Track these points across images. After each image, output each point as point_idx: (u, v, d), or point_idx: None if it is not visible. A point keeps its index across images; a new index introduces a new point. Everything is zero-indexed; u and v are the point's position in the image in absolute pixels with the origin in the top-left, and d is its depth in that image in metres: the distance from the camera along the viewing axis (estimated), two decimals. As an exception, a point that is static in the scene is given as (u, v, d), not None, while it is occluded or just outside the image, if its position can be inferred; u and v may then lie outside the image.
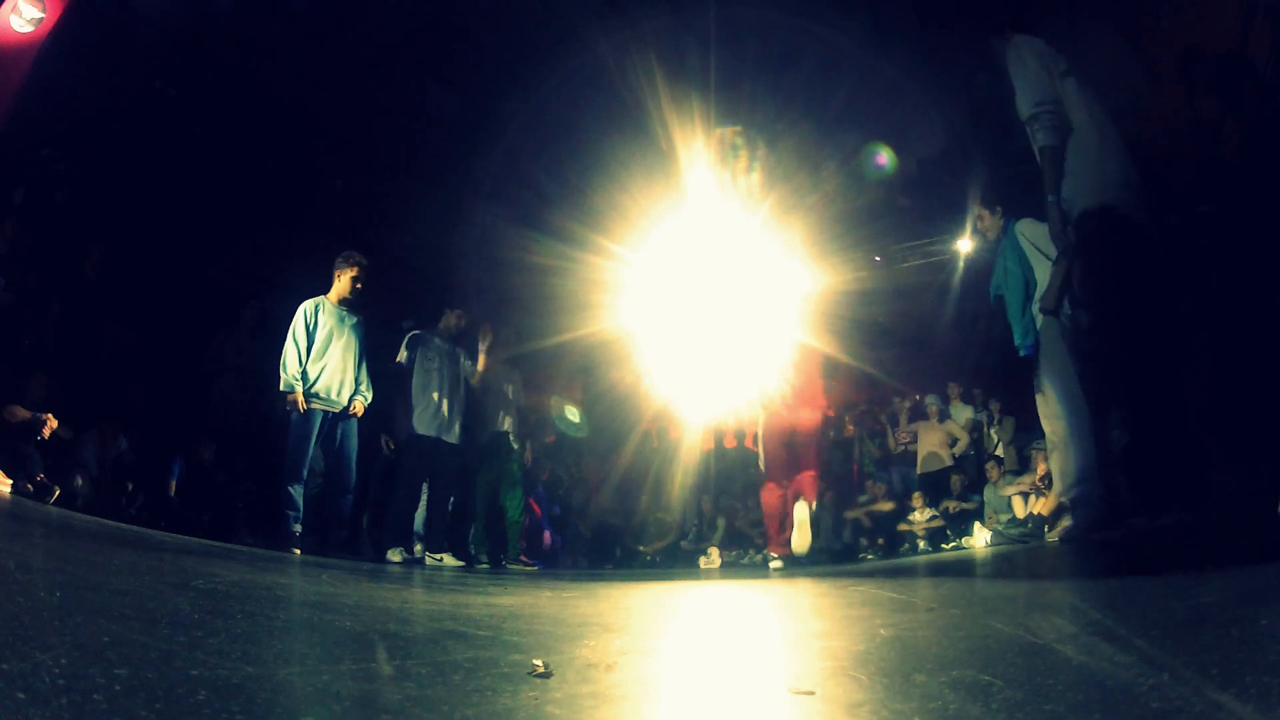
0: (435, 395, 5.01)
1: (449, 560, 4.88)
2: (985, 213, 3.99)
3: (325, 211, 6.95)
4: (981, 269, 8.15)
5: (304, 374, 4.37)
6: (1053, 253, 3.44)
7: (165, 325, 5.83)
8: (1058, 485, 3.80)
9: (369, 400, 4.65)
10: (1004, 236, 3.84)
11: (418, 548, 5.09)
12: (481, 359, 5.28)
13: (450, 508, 5.43)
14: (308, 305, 4.51)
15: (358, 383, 4.59)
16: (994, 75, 3.47)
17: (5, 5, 4.79)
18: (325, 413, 4.43)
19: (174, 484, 5.42)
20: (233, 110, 6.07)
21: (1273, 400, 2.93)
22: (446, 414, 5.03)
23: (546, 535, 6.75)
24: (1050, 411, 3.54)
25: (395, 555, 4.75)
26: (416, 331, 5.17)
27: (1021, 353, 3.60)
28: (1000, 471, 6.68)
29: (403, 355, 5.05)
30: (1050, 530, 5.03)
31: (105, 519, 3.56)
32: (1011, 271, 3.68)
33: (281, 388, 4.36)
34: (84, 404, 4.96)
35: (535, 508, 6.67)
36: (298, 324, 4.44)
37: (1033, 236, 3.66)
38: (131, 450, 5.25)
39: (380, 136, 6.86)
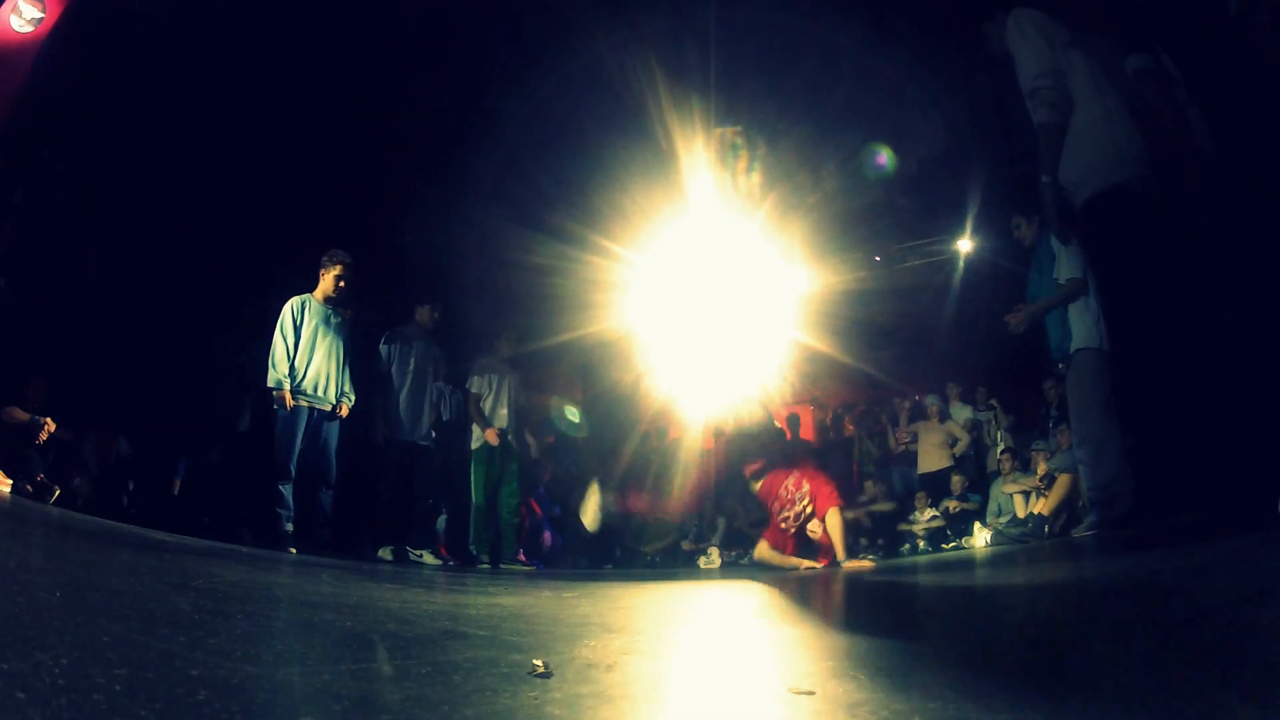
0: (408, 395, 5.07)
1: (428, 558, 4.92)
2: (1023, 221, 4.11)
3: (325, 211, 6.94)
4: (982, 269, 8.18)
5: (292, 370, 4.38)
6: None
7: (165, 325, 5.82)
8: (1089, 478, 3.80)
9: (353, 402, 4.68)
10: (1039, 244, 3.92)
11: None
12: (423, 312, 5.33)
13: (442, 507, 5.44)
14: (294, 302, 4.52)
15: (342, 383, 4.60)
16: (995, 72, 3.45)
17: (5, 5, 4.79)
18: (311, 409, 4.45)
19: (178, 483, 5.42)
20: (232, 110, 6.07)
21: (1272, 398, 2.90)
22: (418, 413, 5.10)
23: (547, 535, 6.74)
24: (1082, 414, 3.56)
25: (385, 554, 4.81)
26: (391, 330, 5.20)
27: (1056, 357, 3.70)
28: (1012, 464, 6.62)
29: (382, 352, 5.10)
30: (1075, 529, 5.02)
31: (105, 519, 3.56)
32: (1045, 276, 3.78)
33: (270, 384, 4.37)
34: (84, 404, 4.96)
35: (536, 508, 6.66)
36: (285, 320, 4.45)
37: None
38: (131, 450, 5.25)
39: (380, 136, 6.86)
